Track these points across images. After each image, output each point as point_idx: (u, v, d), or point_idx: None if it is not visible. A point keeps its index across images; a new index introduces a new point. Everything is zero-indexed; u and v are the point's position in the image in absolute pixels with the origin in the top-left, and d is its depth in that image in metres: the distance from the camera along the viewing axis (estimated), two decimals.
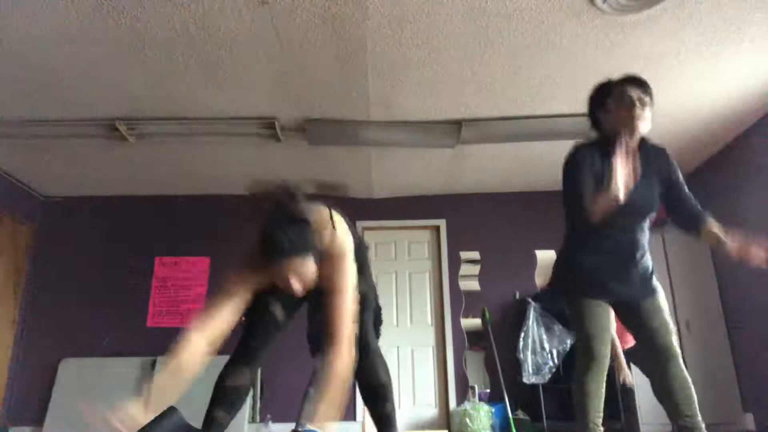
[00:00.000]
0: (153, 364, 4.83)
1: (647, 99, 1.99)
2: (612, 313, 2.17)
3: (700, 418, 1.98)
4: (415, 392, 5.11)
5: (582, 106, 3.94)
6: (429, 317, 5.35)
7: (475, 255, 5.45)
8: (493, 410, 4.45)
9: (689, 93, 3.79)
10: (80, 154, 4.60)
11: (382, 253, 5.58)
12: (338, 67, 3.46)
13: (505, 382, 4.65)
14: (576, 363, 2.11)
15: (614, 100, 2.03)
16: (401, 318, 5.36)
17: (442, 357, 5.18)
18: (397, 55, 3.34)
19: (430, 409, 5.07)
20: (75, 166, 4.87)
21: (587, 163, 2.04)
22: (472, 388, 4.80)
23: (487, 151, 4.64)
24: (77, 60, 3.32)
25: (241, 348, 1.96)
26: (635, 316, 2.09)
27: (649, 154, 2.13)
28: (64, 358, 4.91)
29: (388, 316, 5.36)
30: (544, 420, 4.44)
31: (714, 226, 2.11)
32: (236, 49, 3.26)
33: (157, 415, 1.88)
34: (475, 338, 5.20)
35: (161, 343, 5.10)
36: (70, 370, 4.84)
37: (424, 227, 5.61)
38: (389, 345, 5.25)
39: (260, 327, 1.95)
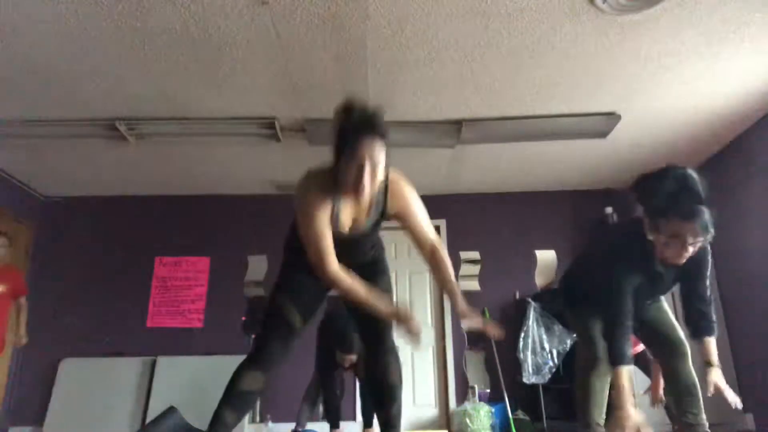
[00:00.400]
0: (153, 364, 4.83)
1: (701, 238, 1.99)
2: None
3: (704, 416, 2.01)
4: (415, 392, 5.11)
5: (582, 106, 3.95)
6: (429, 317, 5.35)
7: (475, 255, 5.45)
8: (493, 410, 4.45)
9: (689, 93, 3.79)
10: (80, 154, 4.60)
11: None
12: (338, 67, 3.46)
13: (505, 382, 4.66)
14: (580, 363, 2.12)
15: (665, 232, 2.06)
16: None
17: (442, 357, 5.18)
18: (397, 55, 3.34)
19: (430, 409, 5.07)
20: (75, 166, 4.87)
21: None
22: (472, 388, 4.80)
23: (487, 151, 4.64)
24: (77, 60, 3.32)
25: (258, 353, 1.92)
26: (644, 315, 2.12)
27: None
28: (64, 358, 4.92)
29: None
30: (544, 420, 4.44)
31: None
32: (236, 49, 3.26)
33: (157, 415, 1.88)
34: (475, 338, 5.20)
35: (161, 343, 5.12)
36: (71, 370, 4.84)
37: None
38: None
39: (279, 334, 1.92)
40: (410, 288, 5.46)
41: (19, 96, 3.70)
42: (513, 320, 4.98)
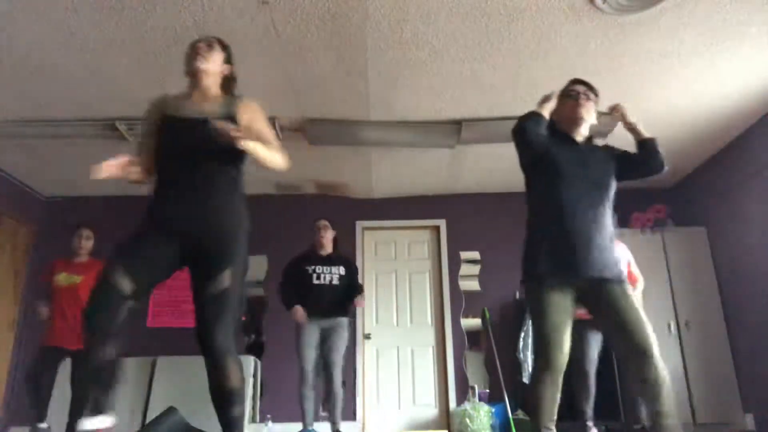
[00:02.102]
0: (153, 364, 4.84)
1: (591, 93, 2.24)
2: (571, 311, 2.05)
3: (674, 417, 1.97)
4: (415, 392, 5.11)
5: None
6: (429, 317, 5.35)
7: (475, 255, 5.45)
8: (493, 410, 4.45)
9: (689, 93, 3.79)
10: (80, 154, 4.61)
11: (382, 253, 5.58)
12: (338, 67, 3.46)
13: (505, 382, 4.66)
14: (534, 364, 2.09)
15: (562, 94, 2.26)
16: (401, 318, 5.36)
17: (442, 357, 5.18)
18: (397, 55, 3.34)
19: (430, 409, 5.07)
20: (75, 166, 4.87)
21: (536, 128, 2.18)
22: (472, 388, 4.80)
23: (487, 151, 4.64)
24: (77, 60, 3.32)
25: None
26: (605, 304, 1.99)
27: (596, 147, 2.29)
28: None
29: (388, 316, 5.37)
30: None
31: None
32: (236, 49, 3.24)
33: (157, 414, 1.88)
34: (475, 338, 5.20)
35: (161, 343, 5.12)
36: (71, 370, 4.83)
37: (424, 227, 5.61)
38: (389, 345, 5.26)
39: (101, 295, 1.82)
40: (410, 288, 5.46)
41: (19, 96, 3.70)
42: (513, 320, 4.99)
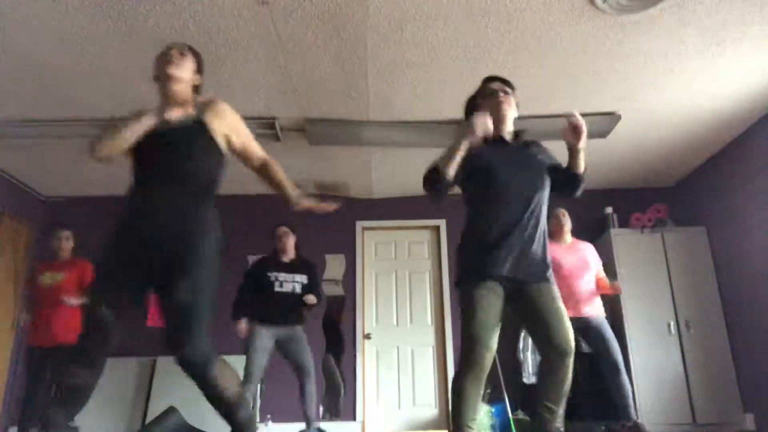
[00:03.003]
0: (153, 364, 4.84)
1: (508, 88, 2.24)
2: (500, 312, 2.06)
3: (560, 417, 1.99)
4: (415, 392, 5.11)
5: (582, 106, 3.96)
6: (429, 317, 5.35)
7: None
8: (493, 410, 4.45)
9: (689, 93, 3.79)
10: (80, 154, 4.61)
11: (382, 253, 5.58)
12: (338, 67, 3.46)
13: (505, 382, 4.66)
14: (459, 362, 2.05)
15: (480, 95, 2.27)
16: (401, 318, 5.36)
17: (442, 357, 5.18)
18: (397, 55, 3.34)
19: (430, 409, 5.07)
20: (75, 166, 4.87)
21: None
22: None
23: None
24: (77, 60, 3.32)
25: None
26: (529, 302, 2.02)
27: (525, 143, 2.26)
28: None
29: (388, 316, 5.37)
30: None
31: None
32: (236, 49, 3.26)
33: (157, 414, 1.88)
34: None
35: (161, 343, 5.11)
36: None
37: (424, 227, 5.61)
38: (389, 345, 5.26)
39: (89, 323, 1.84)
40: (410, 288, 5.46)
41: (19, 96, 3.70)
42: (513, 320, 4.98)
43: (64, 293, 3.87)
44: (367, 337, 5.24)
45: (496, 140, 2.20)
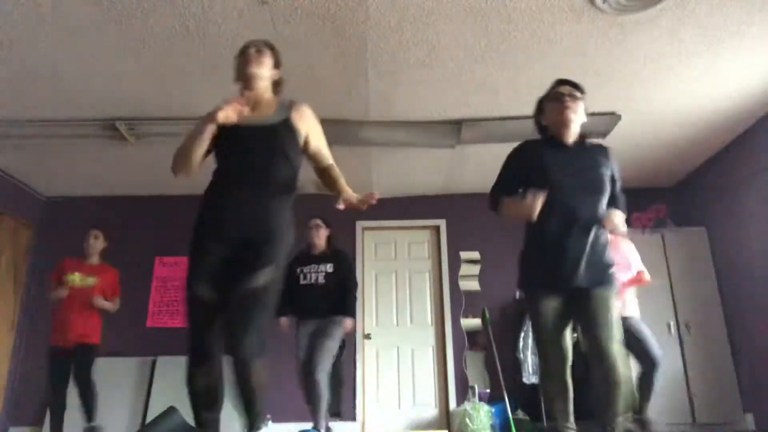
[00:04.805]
0: (153, 364, 4.84)
1: (577, 93, 2.19)
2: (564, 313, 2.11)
3: (623, 419, 2.00)
4: (415, 392, 5.11)
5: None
6: (429, 317, 5.35)
7: (475, 255, 5.45)
8: (493, 410, 4.45)
9: (689, 93, 3.79)
10: (80, 154, 4.60)
11: (382, 253, 5.58)
12: (338, 67, 3.46)
13: (505, 382, 4.65)
14: (540, 371, 2.12)
15: (548, 98, 2.24)
16: (401, 318, 5.36)
17: (442, 357, 5.18)
18: (397, 55, 3.34)
19: (430, 409, 5.06)
20: (75, 166, 4.87)
21: (517, 160, 2.25)
22: (472, 388, 4.80)
23: (487, 151, 4.64)
24: (77, 60, 3.32)
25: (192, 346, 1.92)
26: (585, 305, 2.03)
27: (589, 147, 2.24)
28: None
29: (388, 316, 5.37)
30: (545, 420, 4.43)
31: (613, 215, 2.17)
32: (236, 49, 3.25)
33: (157, 414, 1.89)
34: (475, 338, 5.20)
35: (161, 343, 5.12)
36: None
37: (424, 227, 5.61)
38: (389, 345, 5.26)
39: (196, 317, 1.90)
40: (410, 288, 5.46)
41: (19, 96, 3.70)
42: (513, 320, 4.99)
43: (89, 297, 3.89)
44: (367, 337, 5.24)
45: (558, 146, 2.19)
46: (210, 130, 1.91)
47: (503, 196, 2.20)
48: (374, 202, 1.92)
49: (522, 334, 4.69)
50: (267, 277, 1.83)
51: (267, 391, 1.90)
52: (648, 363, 3.41)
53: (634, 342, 3.43)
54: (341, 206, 1.95)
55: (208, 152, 1.99)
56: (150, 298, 5.24)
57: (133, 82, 3.57)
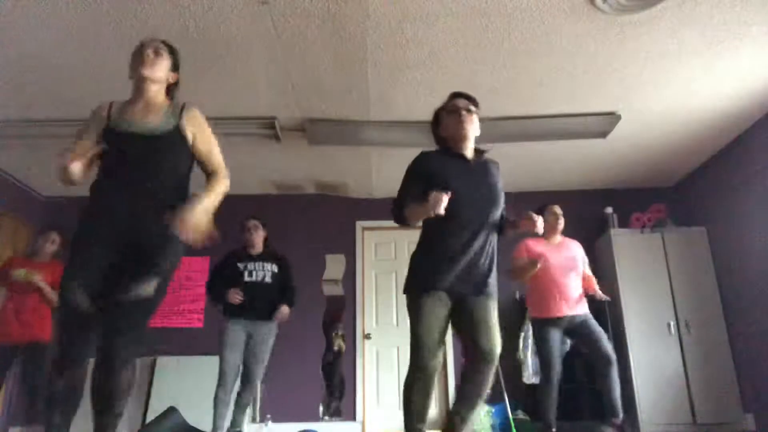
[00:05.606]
0: (153, 364, 4.84)
1: (472, 106, 2.28)
2: (448, 318, 2.18)
3: (471, 419, 2.10)
4: None
5: (582, 106, 3.96)
6: None
7: None
8: (493, 410, 4.45)
9: (689, 93, 3.79)
10: None
11: (382, 253, 5.58)
12: (338, 67, 3.46)
13: (505, 382, 4.65)
14: (409, 363, 2.15)
15: (445, 110, 2.31)
16: (401, 318, 5.36)
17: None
18: (397, 55, 3.34)
19: (430, 409, 5.06)
20: None
21: (418, 171, 2.25)
22: None
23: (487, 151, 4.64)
24: (77, 60, 3.32)
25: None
26: (467, 314, 2.13)
27: (484, 161, 2.32)
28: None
29: (388, 316, 5.37)
30: None
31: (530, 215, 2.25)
32: (236, 49, 3.26)
33: (157, 415, 1.88)
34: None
35: (161, 343, 5.12)
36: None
37: None
38: (389, 345, 5.26)
39: (67, 322, 1.84)
40: None
41: (19, 96, 3.70)
42: (513, 320, 4.98)
43: (37, 294, 3.84)
44: (367, 337, 5.24)
45: (456, 157, 2.25)
46: (94, 151, 1.92)
47: (405, 205, 2.22)
48: (205, 244, 1.83)
49: (522, 335, 4.68)
50: (151, 287, 1.78)
51: (122, 404, 1.83)
52: (601, 361, 3.36)
53: (591, 338, 3.41)
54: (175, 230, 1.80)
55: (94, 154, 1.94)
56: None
57: (132, 82, 3.56)
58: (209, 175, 2.06)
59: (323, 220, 5.54)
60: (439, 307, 2.12)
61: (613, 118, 4.07)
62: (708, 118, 4.16)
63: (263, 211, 5.44)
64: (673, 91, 3.75)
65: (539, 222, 2.18)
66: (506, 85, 3.67)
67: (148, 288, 1.78)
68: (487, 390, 2.13)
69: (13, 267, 3.93)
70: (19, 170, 4.95)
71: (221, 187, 2.01)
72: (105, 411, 1.80)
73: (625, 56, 3.35)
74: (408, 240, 5.61)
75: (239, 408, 3.67)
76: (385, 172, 5.07)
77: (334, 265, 5.49)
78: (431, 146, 2.43)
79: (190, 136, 1.99)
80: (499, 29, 3.10)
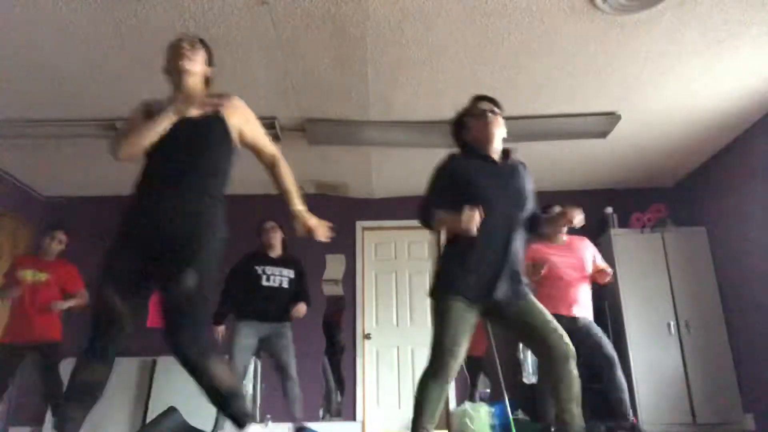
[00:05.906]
0: (153, 364, 4.83)
1: (497, 109, 2.25)
2: (473, 325, 2.16)
3: (579, 416, 2.03)
4: (415, 392, 5.10)
5: (582, 106, 3.96)
6: (429, 317, 5.34)
7: None
8: (493, 410, 4.45)
9: (689, 93, 3.79)
10: (80, 154, 4.60)
11: (382, 253, 5.58)
12: (338, 67, 3.46)
13: (505, 382, 4.65)
14: (427, 364, 2.15)
15: (470, 114, 2.29)
16: (401, 318, 5.36)
17: None
18: (397, 55, 3.34)
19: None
20: (75, 166, 4.87)
21: (447, 174, 2.25)
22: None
23: None
24: (77, 59, 3.32)
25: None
26: (514, 317, 2.11)
27: (511, 162, 2.29)
28: (64, 358, 4.91)
29: (388, 316, 5.37)
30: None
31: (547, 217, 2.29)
32: (236, 49, 3.26)
33: (157, 415, 1.89)
34: (474, 338, 5.20)
35: (161, 343, 5.11)
36: (70, 371, 4.84)
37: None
38: (389, 345, 5.26)
39: (100, 318, 1.89)
40: (410, 288, 5.46)
41: (19, 96, 3.70)
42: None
43: (45, 293, 3.87)
44: (367, 337, 5.24)
45: (484, 159, 2.24)
46: (166, 126, 1.91)
47: (434, 211, 2.22)
48: (326, 240, 1.96)
49: None
50: (194, 277, 1.79)
51: (234, 388, 1.85)
52: (604, 362, 3.36)
53: (593, 339, 3.40)
54: (302, 232, 1.96)
55: None
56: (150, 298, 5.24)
57: (133, 82, 3.57)
58: (270, 163, 2.17)
59: (323, 220, 5.54)
60: (467, 312, 2.09)
61: (613, 118, 4.07)
62: (708, 118, 4.16)
63: (263, 211, 5.45)
64: (673, 91, 3.75)
65: (579, 215, 2.16)
66: (506, 85, 3.67)
67: (191, 278, 1.78)
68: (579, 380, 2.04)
69: (20, 266, 3.96)
70: (19, 170, 4.95)
71: (290, 173, 2.15)
72: (229, 400, 1.81)
73: (625, 56, 3.35)
74: (408, 240, 5.62)
75: (292, 402, 3.71)
76: (385, 172, 5.07)
77: (334, 265, 5.49)
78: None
79: (235, 126, 2.03)
80: (499, 29, 3.10)
